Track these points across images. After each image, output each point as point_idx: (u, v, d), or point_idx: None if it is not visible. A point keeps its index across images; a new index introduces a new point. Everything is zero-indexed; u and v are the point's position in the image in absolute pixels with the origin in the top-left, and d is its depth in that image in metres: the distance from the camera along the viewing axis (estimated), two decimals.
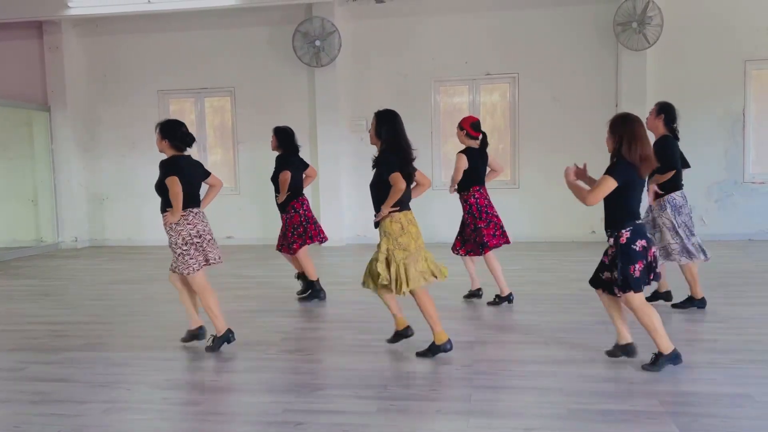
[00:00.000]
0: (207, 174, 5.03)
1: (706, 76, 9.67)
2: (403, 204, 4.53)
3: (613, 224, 4.13)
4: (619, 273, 4.09)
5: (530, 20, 10.09)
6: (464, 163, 5.93)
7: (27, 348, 5.18)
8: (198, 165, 4.99)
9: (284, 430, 3.47)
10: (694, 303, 5.70)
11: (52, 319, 6.17)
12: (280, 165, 6.39)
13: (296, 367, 4.53)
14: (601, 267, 4.29)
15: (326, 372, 4.42)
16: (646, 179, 4.23)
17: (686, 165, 5.70)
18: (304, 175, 6.57)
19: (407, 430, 3.47)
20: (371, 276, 4.62)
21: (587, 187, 4.21)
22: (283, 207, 6.45)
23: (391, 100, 10.23)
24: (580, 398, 3.80)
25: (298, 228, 6.44)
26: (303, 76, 10.59)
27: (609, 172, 4.05)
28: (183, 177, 4.70)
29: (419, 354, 4.60)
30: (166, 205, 4.77)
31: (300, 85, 10.65)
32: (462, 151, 6.01)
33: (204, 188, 5.05)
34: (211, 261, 4.87)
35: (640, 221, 4.14)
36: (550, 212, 9.97)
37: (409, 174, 4.53)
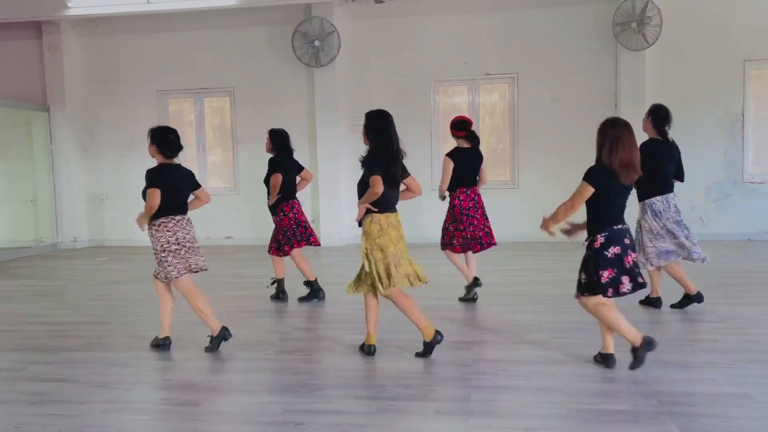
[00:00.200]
0: (197, 186, 5.03)
1: (705, 76, 9.68)
2: (384, 206, 4.53)
3: (591, 229, 4.13)
4: (585, 275, 4.11)
5: (529, 20, 10.09)
6: (449, 167, 5.95)
7: (26, 348, 5.18)
8: (188, 175, 4.99)
9: (283, 431, 3.47)
10: (690, 300, 5.69)
11: (51, 320, 6.17)
12: (273, 167, 6.37)
13: (295, 367, 4.53)
14: None
15: (325, 372, 4.42)
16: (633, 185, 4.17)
17: (679, 176, 5.68)
18: (298, 179, 6.56)
19: (407, 431, 3.47)
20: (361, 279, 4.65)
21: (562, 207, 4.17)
22: (273, 210, 6.45)
23: (391, 100, 10.25)
24: (579, 398, 3.80)
25: (287, 231, 6.42)
26: (302, 76, 10.59)
27: (586, 177, 4.06)
28: (165, 186, 4.73)
29: (418, 354, 4.60)
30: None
31: (299, 85, 10.65)
32: (448, 153, 6.04)
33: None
34: (193, 268, 4.86)
35: (619, 227, 4.08)
36: (549, 212, 9.96)
37: (393, 176, 4.51)
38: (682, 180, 5.74)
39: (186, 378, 4.46)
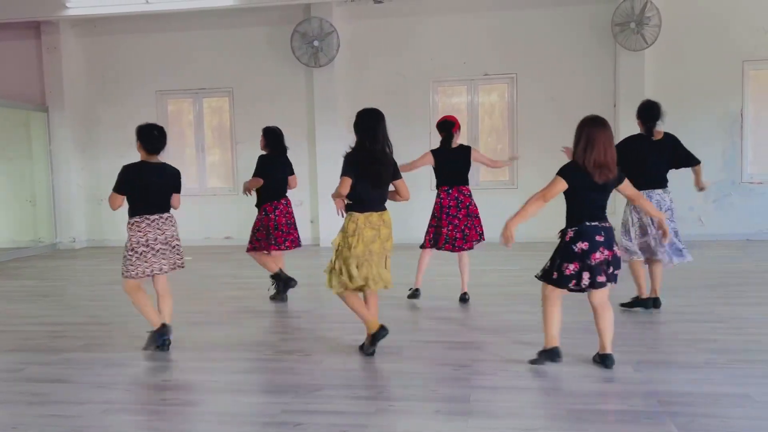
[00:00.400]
0: (176, 189, 5.01)
1: (704, 76, 9.68)
2: (364, 205, 4.55)
3: (566, 222, 4.23)
4: (549, 263, 4.23)
5: (528, 21, 10.10)
6: (424, 158, 6.06)
7: (25, 349, 5.17)
8: (171, 175, 4.97)
9: (283, 431, 3.47)
10: (639, 303, 5.68)
11: (50, 320, 6.16)
12: (258, 167, 6.36)
13: (294, 367, 4.53)
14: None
15: (325, 372, 4.42)
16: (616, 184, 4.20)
17: (690, 162, 5.62)
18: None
19: (406, 431, 3.47)
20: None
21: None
22: (258, 207, 6.45)
23: (390, 101, 10.25)
24: (578, 398, 3.80)
25: (264, 231, 6.41)
26: (301, 77, 10.59)
27: (559, 172, 4.13)
28: (133, 186, 4.79)
29: (360, 349, 4.70)
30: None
31: (298, 85, 10.65)
32: (433, 149, 6.12)
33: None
34: (155, 272, 4.87)
35: (593, 224, 4.11)
36: (548, 212, 9.90)
37: (378, 176, 4.51)
38: (695, 165, 5.66)
39: (185, 378, 4.46)
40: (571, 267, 4.12)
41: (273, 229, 6.38)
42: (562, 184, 4.09)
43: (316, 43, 10.08)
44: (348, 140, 11.33)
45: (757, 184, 9.76)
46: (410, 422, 3.56)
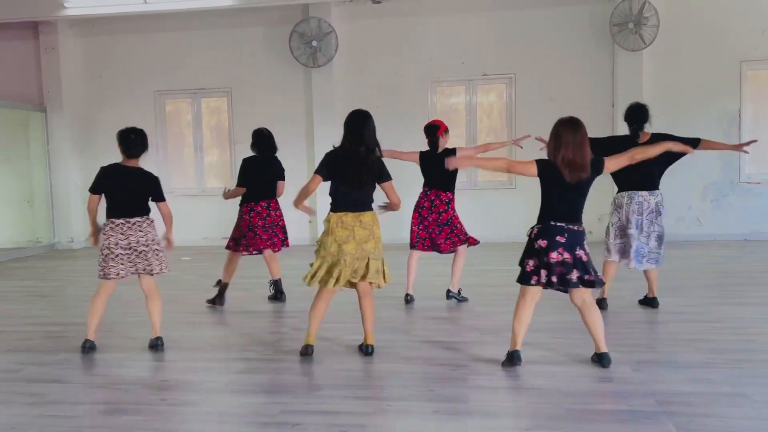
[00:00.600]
0: (155, 196, 4.97)
1: (702, 76, 9.70)
2: (338, 205, 4.60)
3: (537, 219, 4.29)
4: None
5: (527, 21, 10.11)
6: (410, 153, 6.10)
7: (24, 349, 5.17)
8: (145, 181, 4.92)
9: (281, 431, 3.47)
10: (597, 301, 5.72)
11: (48, 320, 6.16)
12: (240, 172, 6.33)
13: (293, 367, 4.53)
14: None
15: (323, 372, 4.42)
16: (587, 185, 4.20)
17: (693, 144, 5.46)
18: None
19: (405, 431, 3.48)
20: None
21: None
22: (240, 206, 6.43)
23: (388, 101, 10.27)
24: (577, 398, 3.81)
25: (236, 231, 6.36)
26: (300, 77, 10.59)
27: (536, 159, 4.20)
28: (109, 188, 4.84)
29: (359, 349, 4.73)
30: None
31: (297, 85, 10.65)
32: (422, 150, 6.12)
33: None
34: (111, 276, 4.88)
35: (559, 224, 4.15)
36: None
37: (354, 177, 4.51)
38: (697, 146, 5.51)
39: (183, 378, 4.45)
40: (531, 263, 4.23)
41: (246, 230, 6.30)
42: (532, 168, 4.17)
43: (314, 43, 10.08)
44: None
45: (755, 184, 9.78)
46: (409, 422, 3.56)
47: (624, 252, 5.58)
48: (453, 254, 6.22)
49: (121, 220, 4.84)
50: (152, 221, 4.97)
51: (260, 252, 6.45)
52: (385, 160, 4.75)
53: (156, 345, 4.99)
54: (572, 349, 4.61)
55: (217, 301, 6.37)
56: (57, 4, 10.12)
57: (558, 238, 4.14)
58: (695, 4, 9.73)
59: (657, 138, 5.51)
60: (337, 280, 4.54)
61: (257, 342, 5.18)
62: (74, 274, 8.90)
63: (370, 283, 4.62)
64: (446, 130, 6.11)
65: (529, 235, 4.28)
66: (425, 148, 6.13)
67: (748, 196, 9.79)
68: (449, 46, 10.31)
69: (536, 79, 10.13)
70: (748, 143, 5.70)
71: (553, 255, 4.13)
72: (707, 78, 9.69)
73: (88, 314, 4.98)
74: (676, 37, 9.68)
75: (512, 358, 4.30)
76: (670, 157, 5.51)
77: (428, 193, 6.10)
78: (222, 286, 6.41)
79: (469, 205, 9.51)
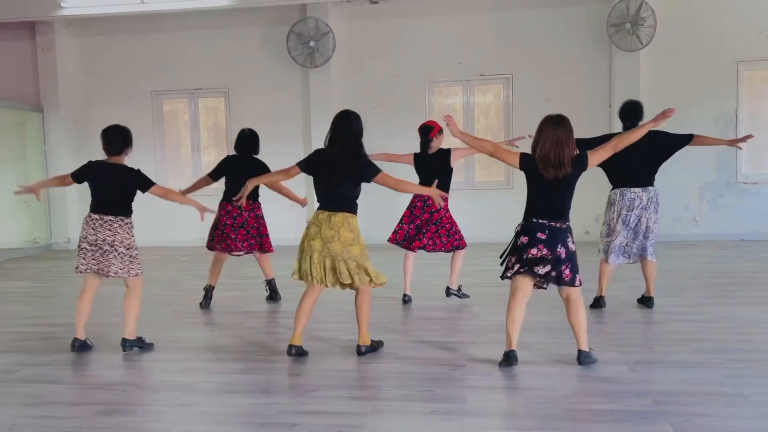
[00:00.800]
0: (141, 187, 4.94)
1: (699, 76, 9.72)
2: (318, 203, 4.64)
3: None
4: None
5: (524, 21, 10.12)
6: (405, 156, 6.14)
7: (20, 350, 5.15)
8: (124, 177, 4.91)
9: None
10: (599, 301, 5.76)
11: (45, 321, 6.15)
12: (218, 163, 6.42)
13: (290, 367, 4.53)
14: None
15: (320, 373, 4.41)
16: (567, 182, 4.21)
17: (689, 140, 5.51)
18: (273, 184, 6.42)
19: (402, 431, 3.48)
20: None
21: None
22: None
23: (385, 101, 10.28)
24: (574, 398, 3.81)
25: (211, 228, 6.40)
26: (297, 77, 10.59)
27: (522, 152, 4.27)
28: (83, 177, 4.93)
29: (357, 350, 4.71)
30: None
31: (294, 85, 10.64)
32: (416, 153, 6.13)
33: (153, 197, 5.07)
34: (80, 268, 4.86)
35: (541, 221, 4.19)
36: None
37: (327, 177, 4.52)
38: (690, 141, 5.51)
39: (180, 379, 4.45)
40: (514, 259, 4.30)
41: (213, 227, 6.35)
42: (515, 159, 4.26)
43: (311, 43, 10.08)
44: None
45: (752, 185, 9.80)
46: (406, 422, 3.56)
47: (615, 252, 5.61)
48: (451, 253, 6.21)
49: (96, 216, 4.85)
50: (128, 224, 4.87)
51: (231, 252, 6.40)
52: (380, 163, 4.76)
53: (124, 345, 4.89)
54: (569, 349, 4.60)
55: (202, 303, 6.37)
56: (54, 4, 10.10)
57: (539, 234, 4.18)
58: (692, 5, 9.75)
59: (650, 135, 5.51)
60: (312, 277, 4.54)
61: (253, 342, 5.17)
62: (71, 274, 8.83)
63: (350, 284, 4.59)
64: (440, 131, 6.08)
65: (516, 232, 4.33)
66: (413, 148, 6.14)
67: (744, 196, 9.81)
68: (447, 46, 10.31)
69: (533, 80, 10.14)
70: (743, 139, 5.71)
71: (532, 251, 4.19)
72: (704, 78, 9.71)
73: (75, 313, 4.96)
74: (673, 38, 9.70)
75: (508, 358, 4.30)
76: (663, 154, 5.54)
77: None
78: (207, 289, 6.40)
79: (466, 205, 9.53)
